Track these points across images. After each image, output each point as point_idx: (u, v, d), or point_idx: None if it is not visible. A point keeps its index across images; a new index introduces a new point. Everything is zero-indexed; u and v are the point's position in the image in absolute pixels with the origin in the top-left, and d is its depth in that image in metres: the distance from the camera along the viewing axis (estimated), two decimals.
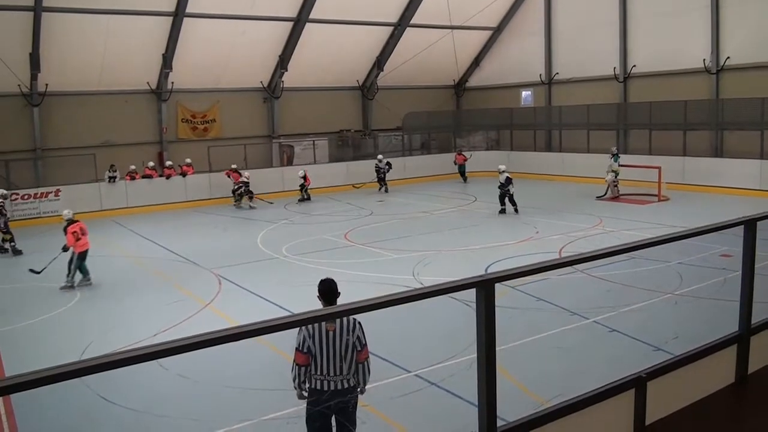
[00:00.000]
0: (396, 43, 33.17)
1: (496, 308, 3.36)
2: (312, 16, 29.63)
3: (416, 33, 32.59)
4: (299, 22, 29.75)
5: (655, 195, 23.27)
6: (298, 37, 30.21)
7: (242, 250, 17.87)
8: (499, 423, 3.51)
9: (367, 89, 35.38)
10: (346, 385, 5.73)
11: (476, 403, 3.42)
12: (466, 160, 30.77)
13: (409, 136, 35.52)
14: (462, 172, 30.77)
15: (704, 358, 4.90)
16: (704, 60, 26.86)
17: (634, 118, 29.28)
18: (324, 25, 30.41)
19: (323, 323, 5.64)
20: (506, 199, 21.39)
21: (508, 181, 21.25)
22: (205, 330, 2.61)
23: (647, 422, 4.35)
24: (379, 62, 34.08)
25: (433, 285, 3.29)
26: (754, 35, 25.19)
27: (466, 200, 24.81)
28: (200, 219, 23.25)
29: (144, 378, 7.74)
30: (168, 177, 26.41)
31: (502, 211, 21.42)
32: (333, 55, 32.07)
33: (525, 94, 35.53)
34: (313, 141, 32.09)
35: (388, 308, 3.04)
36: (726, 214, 5.86)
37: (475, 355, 3.38)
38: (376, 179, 28.51)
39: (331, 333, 5.69)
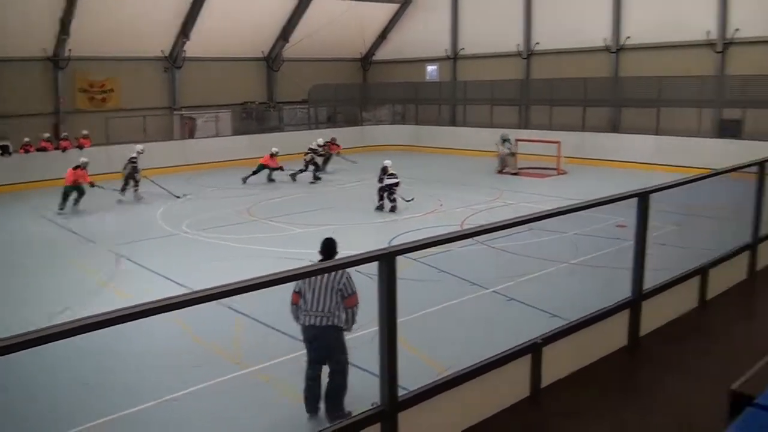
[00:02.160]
0: (302, 14, 32.62)
1: (401, 280, 3.41)
2: None
3: (323, 4, 32.16)
4: None
5: (554, 169, 24.07)
6: (202, 4, 29.26)
7: (141, 226, 17.36)
8: (401, 392, 3.57)
9: (272, 60, 34.74)
10: (327, 323, 6.33)
11: (378, 375, 3.47)
12: (340, 153, 26.74)
13: (315, 109, 35.19)
14: (325, 162, 25.57)
15: (598, 323, 5.16)
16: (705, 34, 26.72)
17: (536, 93, 29.98)
18: None
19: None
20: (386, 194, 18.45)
21: (384, 171, 18.46)
22: (104, 310, 2.54)
23: (543, 385, 4.54)
24: (285, 33, 33.51)
25: (337, 258, 3.29)
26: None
27: (374, 174, 24.79)
28: (96, 193, 22.24)
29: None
30: (64, 150, 25.17)
31: (380, 208, 18.47)
32: (237, 24, 31.20)
33: (430, 68, 35.81)
34: (216, 113, 31.32)
35: (290, 283, 3.03)
36: (625, 187, 6.08)
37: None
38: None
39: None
